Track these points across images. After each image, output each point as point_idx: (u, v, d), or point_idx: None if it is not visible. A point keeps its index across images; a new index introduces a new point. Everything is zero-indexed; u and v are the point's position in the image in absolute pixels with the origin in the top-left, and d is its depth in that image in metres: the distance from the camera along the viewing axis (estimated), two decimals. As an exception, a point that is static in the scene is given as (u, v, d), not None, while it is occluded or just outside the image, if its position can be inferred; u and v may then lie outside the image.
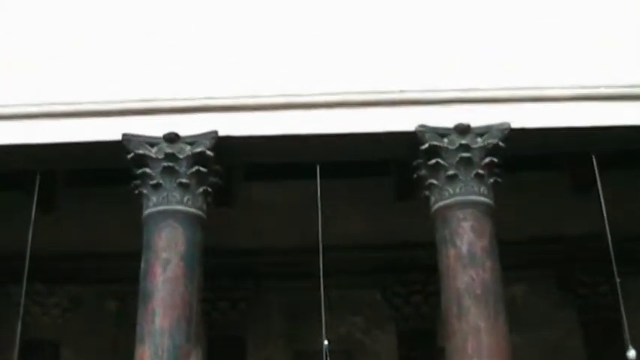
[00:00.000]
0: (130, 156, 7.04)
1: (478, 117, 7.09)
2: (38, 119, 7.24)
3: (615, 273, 6.85)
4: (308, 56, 7.39)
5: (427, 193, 7.12)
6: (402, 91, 7.18)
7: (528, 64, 7.36)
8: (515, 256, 8.18)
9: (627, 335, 6.56)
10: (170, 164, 6.94)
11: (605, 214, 7.04)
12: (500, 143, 7.00)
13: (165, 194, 6.94)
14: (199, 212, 7.00)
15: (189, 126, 7.06)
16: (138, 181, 7.09)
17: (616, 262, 6.87)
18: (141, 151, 7.02)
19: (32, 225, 7.25)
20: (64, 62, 7.50)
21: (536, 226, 9.33)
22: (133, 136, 7.07)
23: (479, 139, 7.00)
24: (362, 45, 7.45)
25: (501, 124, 7.05)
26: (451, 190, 6.95)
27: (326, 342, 6.56)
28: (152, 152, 7.01)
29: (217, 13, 7.63)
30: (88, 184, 9.25)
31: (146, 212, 6.99)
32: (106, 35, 7.62)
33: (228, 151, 7.08)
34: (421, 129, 7.03)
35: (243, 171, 8.84)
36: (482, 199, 6.94)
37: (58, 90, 7.36)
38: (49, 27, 7.67)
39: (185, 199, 6.94)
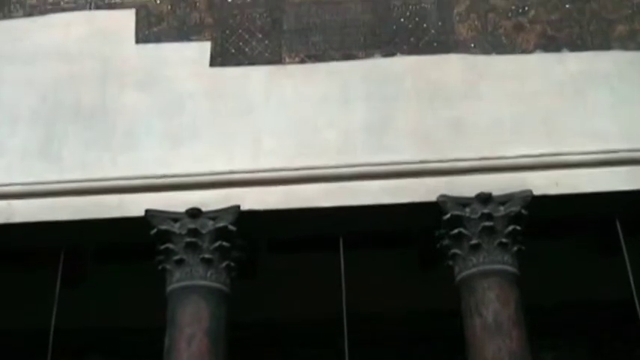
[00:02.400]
0: (153, 232, 7.12)
1: (500, 185, 7.12)
2: (62, 196, 7.36)
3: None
4: (328, 130, 7.52)
5: (451, 262, 7.13)
6: (422, 162, 7.25)
7: (547, 130, 7.40)
8: (543, 323, 8.09)
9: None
10: (193, 240, 7.00)
11: (631, 279, 7.00)
12: (523, 211, 7.01)
13: (188, 270, 6.99)
14: (223, 287, 7.04)
15: (211, 201, 7.14)
16: (161, 257, 7.15)
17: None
18: (164, 227, 7.10)
19: (57, 301, 7.31)
20: (85, 139, 7.66)
21: (564, 292, 9.20)
22: (156, 212, 7.16)
23: (501, 208, 7.03)
24: (381, 116, 7.57)
25: (523, 192, 7.08)
26: (475, 260, 6.95)
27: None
28: (175, 228, 7.08)
29: (238, 89, 7.82)
30: (112, 259, 9.28)
31: (170, 288, 7.04)
32: (127, 111, 7.79)
33: (250, 226, 7.15)
34: (443, 199, 7.07)
35: (267, 243, 8.88)
36: (507, 267, 6.94)
37: (81, 167, 7.49)
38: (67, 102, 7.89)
39: (208, 274, 6.98)
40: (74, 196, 7.36)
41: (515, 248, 7.01)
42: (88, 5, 8.50)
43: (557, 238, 9.10)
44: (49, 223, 7.30)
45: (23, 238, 7.47)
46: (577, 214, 7.51)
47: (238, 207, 7.11)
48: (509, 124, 7.46)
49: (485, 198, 7.04)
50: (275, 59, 7.97)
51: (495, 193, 7.07)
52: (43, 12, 8.52)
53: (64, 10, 8.49)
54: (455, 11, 8.15)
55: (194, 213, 7.08)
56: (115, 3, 8.48)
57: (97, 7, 8.47)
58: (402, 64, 7.85)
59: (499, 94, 7.62)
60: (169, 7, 8.37)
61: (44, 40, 8.27)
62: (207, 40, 8.11)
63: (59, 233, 7.40)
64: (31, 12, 8.54)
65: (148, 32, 8.25)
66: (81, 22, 8.36)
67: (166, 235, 7.09)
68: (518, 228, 7.00)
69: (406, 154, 7.31)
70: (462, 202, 7.07)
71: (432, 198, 7.09)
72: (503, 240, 6.96)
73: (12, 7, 8.60)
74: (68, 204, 7.33)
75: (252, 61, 7.97)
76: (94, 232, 7.45)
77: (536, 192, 7.08)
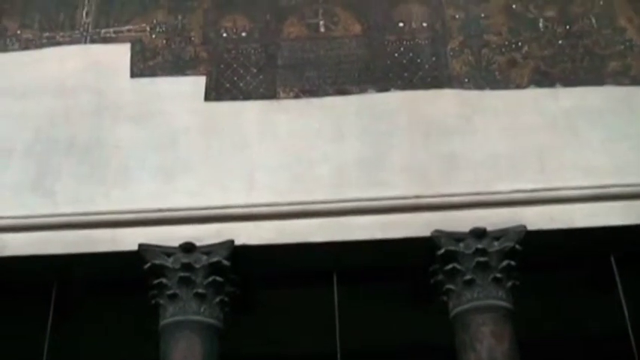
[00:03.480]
0: (146, 266, 7.09)
1: (494, 220, 7.12)
2: (54, 230, 7.33)
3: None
4: (322, 164, 7.53)
5: (445, 298, 7.10)
6: (416, 197, 7.25)
7: (541, 165, 7.42)
8: (537, 358, 8.04)
9: None
10: (186, 274, 6.97)
11: (626, 314, 6.99)
12: (517, 246, 7.00)
13: (181, 304, 6.95)
14: (216, 322, 6.99)
15: (205, 235, 7.13)
16: (154, 291, 7.11)
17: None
18: (157, 262, 7.07)
19: (48, 335, 7.27)
20: (79, 173, 7.65)
21: (559, 326, 9.18)
22: (149, 246, 7.13)
23: (495, 243, 7.02)
24: (375, 151, 7.58)
25: (517, 227, 7.07)
26: (469, 295, 6.92)
27: None
28: (168, 262, 7.05)
29: (232, 124, 7.85)
30: (105, 293, 9.23)
31: (163, 323, 6.98)
32: (121, 145, 7.79)
33: (244, 261, 7.12)
34: (437, 234, 7.06)
35: (260, 277, 8.84)
36: (501, 303, 6.91)
37: (74, 201, 7.47)
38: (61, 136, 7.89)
39: (202, 309, 6.94)
40: (67, 230, 7.33)
41: (509, 283, 6.98)
42: (83, 39, 8.56)
43: (551, 272, 9.11)
44: (41, 257, 7.26)
45: (15, 272, 7.41)
46: (571, 249, 7.50)
47: (232, 242, 7.09)
48: (503, 159, 7.47)
49: (479, 233, 7.03)
50: (269, 94, 8.02)
51: (490, 228, 7.06)
52: (39, 46, 8.58)
53: (59, 44, 8.56)
54: (449, 47, 8.23)
55: (188, 247, 7.06)
56: (111, 37, 8.55)
57: (93, 41, 8.54)
58: (396, 99, 7.90)
59: (493, 129, 7.66)
60: (164, 41, 8.45)
61: (39, 73, 8.31)
62: (202, 74, 8.17)
63: (51, 267, 7.36)
64: (27, 46, 8.61)
65: (143, 66, 8.31)
66: (76, 56, 8.42)
67: (160, 270, 7.05)
68: (513, 263, 6.98)
69: (400, 189, 7.32)
70: (456, 238, 7.05)
71: (426, 233, 7.09)
72: (498, 275, 6.93)
73: (8, 40, 8.66)
74: (61, 238, 7.29)
75: (246, 96, 8.02)
76: (86, 266, 7.40)
77: (531, 227, 7.08)
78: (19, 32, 8.69)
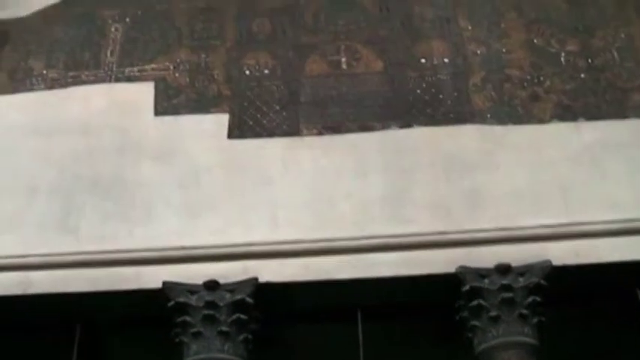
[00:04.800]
0: (170, 304, 7.09)
1: (518, 255, 7.08)
2: (79, 268, 7.36)
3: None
4: (345, 201, 7.54)
5: (470, 334, 7.04)
6: (440, 233, 7.24)
7: (565, 200, 7.38)
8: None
9: None
10: (210, 312, 6.96)
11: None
12: (542, 282, 6.96)
13: (205, 343, 6.92)
14: (240, 360, 6.98)
15: (229, 273, 7.12)
16: (178, 329, 7.09)
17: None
18: (181, 299, 7.06)
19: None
20: (103, 211, 7.69)
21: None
22: (173, 284, 7.13)
23: (520, 279, 6.97)
24: (398, 188, 7.59)
25: (542, 262, 7.03)
26: (494, 332, 6.86)
27: None
28: (192, 300, 7.04)
29: (255, 161, 7.89)
30: (129, 331, 9.23)
31: (186, 361, 6.98)
32: (144, 183, 7.84)
33: (268, 298, 7.11)
34: (461, 270, 7.03)
35: (284, 315, 8.82)
36: (527, 339, 6.85)
37: (98, 239, 7.50)
38: (85, 174, 7.96)
39: (226, 347, 6.91)
40: (91, 268, 7.35)
41: (535, 320, 6.92)
42: (107, 78, 8.66)
43: (576, 307, 9.03)
44: (65, 295, 7.28)
45: (39, 310, 7.42)
46: (597, 284, 7.44)
47: (256, 279, 7.09)
48: (527, 194, 7.45)
49: (504, 269, 6.99)
50: (292, 131, 8.06)
51: (514, 263, 7.02)
52: (64, 85, 8.68)
53: (84, 83, 8.66)
54: (470, 82, 8.25)
55: (211, 285, 7.06)
56: (135, 76, 8.65)
57: (117, 80, 8.64)
58: (419, 135, 7.92)
59: (516, 164, 7.64)
60: (188, 79, 8.53)
61: (64, 112, 8.41)
62: (225, 112, 8.22)
63: (75, 305, 7.37)
64: (52, 85, 8.71)
65: (166, 104, 8.37)
66: (100, 95, 8.51)
67: (183, 308, 7.05)
68: (538, 299, 6.94)
69: (424, 225, 7.30)
70: (481, 274, 7.02)
71: (451, 269, 7.06)
72: (523, 311, 6.88)
73: (34, 80, 8.77)
74: (85, 275, 7.32)
75: (269, 133, 8.06)
76: (110, 304, 7.41)
77: (556, 262, 7.03)
78: (44, 72, 8.81)
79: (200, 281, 7.09)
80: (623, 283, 7.28)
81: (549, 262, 7.02)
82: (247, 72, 8.55)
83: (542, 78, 8.22)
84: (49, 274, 7.34)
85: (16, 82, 8.79)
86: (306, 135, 8.04)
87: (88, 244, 7.48)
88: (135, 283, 7.25)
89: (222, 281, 7.08)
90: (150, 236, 7.47)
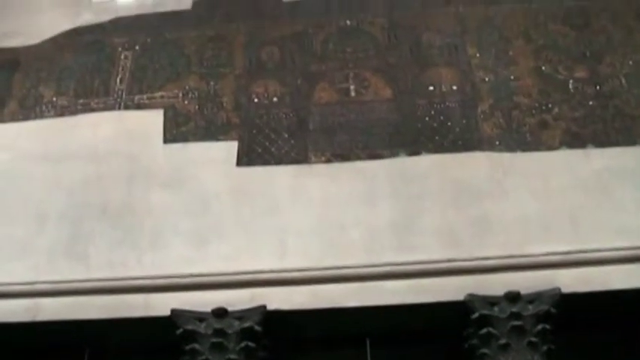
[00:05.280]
0: (178, 332, 7.08)
1: (528, 283, 7.04)
2: (87, 295, 7.37)
3: None
4: (354, 229, 7.53)
5: (479, 362, 7.02)
6: (449, 261, 7.22)
7: (575, 227, 7.36)
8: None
9: None
10: (219, 340, 6.95)
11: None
12: (552, 309, 6.92)
13: (213, 370, 6.92)
14: (249, 387, 6.94)
15: (237, 301, 7.11)
16: (187, 357, 7.08)
17: None
18: (190, 327, 7.05)
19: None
20: (112, 238, 7.71)
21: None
22: (181, 311, 7.12)
23: (530, 306, 6.94)
24: (407, 215, 7.58)
25: (552, 290, 7.00)
26: (504, 360, 6.86)
27: None
28: (201, 328, 7.03)
29: (264, 189, 7.91)
30: (137, 358, 9.21)
31: (196, 388, 6.96)
32: (153, 210, 7.87)
33: (277, 326, 7.10)
34: (470, 298, 7.00)
35: (293, 342, 8.80)
36: (537, 367, 6.82)
37: (107, 266, 7.52)
38: (94, 201, 7.99)
39: (234, 374, 6.92)
40: (100, 295, 7.36)
41: (544, 347, 6.88)
42: (117, 105, 8.72)
43: (586, 335, 8.98)
44: (74, 322, 7.29)
45: (48, 337, 7.44)
46: (607, 312, 7.40)
47: (264, 307, 7.08)
48: (536, 222, 7.43)
49: (513, 297, 6.96)
50: (301, 159, 8.08)
51: (524, 291, 6.99)
52: (74, 112, 8.75)
53: (93, 110, 8.73)
54: (479, 109, 8.26)
55: (220, 313, 7.05)
56: (144, 103, 8.70)
57: (126, 108, 8.70)
58: (427, 162, 7.92)
59: (525, 191, 7.62)
60: (197, 107, 8.57)
61: (73, 139, 8.48)
62: (233, 139, 8.26)
63: (84, 332, 7.38)
64: (62, 112, 8.79)
65: (175, 132, 8.42)
66: (110, 122, 8.57)
67: (192, 335, 7.04)
68: (548, 327, 6.89)
69: (432, 252, 7.29)
70: (490, 301, 6.99)
71: (460, 297, 7.03)
72: (533, 339, 6.84)
73: (44, 107, 8.85)
74: (94, 302, 7.32)
75: (278, 161, 8.09)
76: (119, 332, 7.40)
77: (565, 290, 7.00)
78: (54, 99, 8.89)
79: (208, 309, 7.08)
80: (633, 310, 7.23)
81: (559, 289, 6.99)
82: (256, 100, 8.59)
83: (550, 105, 8.23)
84: (58, 301, 7.36)
85: (27, 109, 8.87)
86: (315, 162, 8.05)
87: (97, 271, 7.51)
88: (143, 311, 7.25)
89: (230, 309, 7.07)
90: (158, 263, 7.49)
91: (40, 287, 7.43)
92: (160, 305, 7.21)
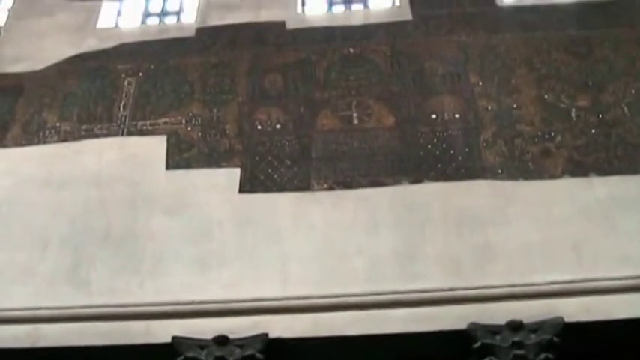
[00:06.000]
0: (180, 359, 7.05)
1: (530, 312, 7.04)
2: (89, 321, 7.36)
3: None
4: (356, 257, 7.53)
5: (482, 391, 6.99)
6: (451, 289, 7.21)
7: (577, 256, 7.35)
8: None
9: None
10: (220, 367, 6.95)
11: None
12: (555, 338, 6.90)
13: (215, 398, 6.90)
14: (249, 414, 6.92)
15: (239, 328, 7.11)
16: (188, 384, 7.08)
17: None
18: (191, 354, 7.04)
19: None
20: (114, 264, 7.72)
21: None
22: (183, 338, 7.10)
23: (532, 335, 6.92)
24: (409, 243, 7.58)
25: (554, 319, 6.98)
26: (506, 389, 6.82)
27: None
28: (202, 355, 7.02)
29: (266, 216, 7.92)
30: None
31: (195, 416, 6.92)
32: (155, 237, 7.87)
33: (278, 354, 7.08)
34: (473, 327, 6.98)
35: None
36: (539, 396, 6.80)
37: (109, 292, 7.51)
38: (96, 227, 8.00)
39: (234, 402, 6.89)
40: (101, 321, 7.35)
41: (547, 376, 6.89)
42: (120, 132, 8.76)
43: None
44: (75, 348, 7.26)
45: (49, 363, 7.45)
46: (610, 341, 7.37)
47: (266, 335, 7.06)
48: (539, 250, 7.43)
49: (516, 325, 6.95)
50: (303, 186, 8.11)
51: (526, 320, 6.98)
52: (77, 138, 8.80)
53: (97, 136, 8.79)
54: (481, 138, 8.30)
55: (221, 340, 7.03)
56: (147, 129, 8.75)
57: (129, 134, 8.75)
58: (430, 190, 7.95)
59: (527, 219, 7.63)
60: (200, 134, 8.61)
61: (77, 165, 8.52)
62: (236, 166, 8.30)
63: (85, 358, 7.31)
64: (65, 138, 8.84)
65: (178, 158, 8.46)
66: (113, 148, 8.61)
67: (193, 363, 7.06)
68: (550, 356, 6.87)
69: (435, 281, 7.29)
70: (493, 330, 6.97)
71: (462, 326, 7.01)
72: (535, 368, 6.85)
73: (47, 132, 8.89)
74: (95, 329, 7.31)
75: (280, 188, 8.11)
76: (120, 358, 7.34)
77: (568, 319, 6.98)
78: (58, 125, 8.93)
79: (210, 336, 7.07)
80: (635, 339, 7.20)
81: (561, 318, 6.97)
82: (259, 127, 8.62)
83: (552, 133, 8.25)
84: (59, 327, 7.35)
85: (30, 134, 8.92)
86: (318, 190, 8.07)
87: (99, 297, 7.51)
88: (145, 338, 7.23)
89: (232, 336, 7.06)
90: (160, 290, 7.49)
91: (41, 313, 7.42)
92: (162, 332, 7.20)
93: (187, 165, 8.39)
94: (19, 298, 7.53)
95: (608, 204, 7.69)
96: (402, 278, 7.33)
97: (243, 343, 7.02)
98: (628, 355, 8.36)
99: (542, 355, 6.85)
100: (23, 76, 9.45)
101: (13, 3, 10.47)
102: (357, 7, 9.93)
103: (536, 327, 6.95)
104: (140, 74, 9.26)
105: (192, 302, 7.32)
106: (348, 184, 8.07)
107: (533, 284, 7.20)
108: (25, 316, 7.41)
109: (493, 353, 6.89)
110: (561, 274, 7.24)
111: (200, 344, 7.05)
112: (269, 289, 7.36)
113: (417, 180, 8.03)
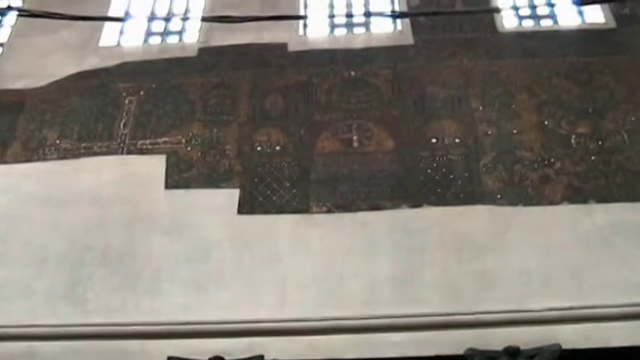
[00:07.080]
0: (174, 379, 7.04)
1: (528, 338, 7.00)
2: (85, 340, 7.33)
3: None
4: (354, 280, 7.50)
5: (478, 418, 6.95)
6: (449, 314, 7.18)
7: (576, 282, 7.33)
8: None
9: None
10: (215, 388, 6.90)
11: None
12: (552, 365, 6.89)
13: (208, 421, 6.85)
14: None
15: (235, 350, 7.07)
16: (183, 406, 7.04)
17: None
18: (186, 375, 7.01)
19: None
20: (111, 283, 7.69)
21: None
22: (178, 359, 7.06)
23: (530, 362, 6.92)
24: (408, 268, 7.55)
25: (552, 346, 6.95)
26: (503, 415, 6.78)
27: None
28: (198, 376, 6.99)
29: (265, 238, 7.89)
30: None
31: None
32: (153, 256, 7.85)
33: (273, 376, 7.06)
34: (470, 352, 6.96)
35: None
36: (536, 421, 6.77)
37: (105, 311, 7.48)
38: (94, 245, 7.97)
39: None
40: (97, 340, 7.32)
41: (544, 403, 6.85)
42: (120, 150, 8.76)
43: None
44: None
45: (43, 381, 7.40)
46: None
47: (262, 357, 7.03)
48: (537, 277, 7.41)
49: (513, 352, 6.92)
50: (302, 208, 8.10)
51: (523, 346, 6.95)
52: (77, 156, 8.79)
53: (96, 154, 8.78)
54: (481, 163, 8.30)
55: (217, 362, 7.02)
56: (147, 148, 8.75)
57: (129, 152, 8.75)
58: (429, 215, 7.94)
59: (526, 245, 7.62)
60: (199, 154, 8.61)
61: (76, 183, 8.50)
62: (235, 187, 8.29)
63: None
64: (65, 155, 8.82)
65: (177, 178, 8.45)
66: (112, 167, 8.60)
67: (188, 383, 7.01)
68: (548, 383, 6.87)
69: (433, 306, 7.26)
70: (490, 356, 6.94)
71: (460, 351, 6.98)
72: (533, 394, 6.82)
73: (47, 150, 8.88)
74: (91, 347, 7.28)
75: (279, 210, 8.10)
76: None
77: (566, 346, 6.96)
78: (58, 142, 8.93)
79: (205, 357, 7.02)
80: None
81: (559, 345, 6.94)
82: (259, 148, 8.62)
83: (552, 160, 8.26)
84: (55, 345, 7.32)
85: (30, 151, 8.91)
86: (316, 212, 8.06)
87: (95, 315, 7.48)
88: (140, 357, 7.19)
89: (227, 358, 7.01)
90: (156, 310, 7.46)
91: (38, 331, 7.39)
92: (156, 352, 7.17)
93: (186, 185, 8.38)
94: (16, 315, 7.50)
95: (608, 231, 7.68)
96: (400, 302, 7.31)
97: (238, 364, 7.01)
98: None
99: (540, 382, 6.85)
100: (24, 92, 9.45)
101: (16, 20, 10.50)
102: (358, 30, 9.95)
103: (534, 353, 6.93)
104: (141, 93, 9.27)
105: (188, 323, 7.30)
106: (347, 207, 8.06)
107: (531, 310, 7.17)
108: (22, 333, 7.38)
109: (490, 379, 6.89)
110: (560, 300, 7.21)
111: (196, 365, 7.05)
112: (266, 311, 7.33)
113: (416, 204, 8.03)
